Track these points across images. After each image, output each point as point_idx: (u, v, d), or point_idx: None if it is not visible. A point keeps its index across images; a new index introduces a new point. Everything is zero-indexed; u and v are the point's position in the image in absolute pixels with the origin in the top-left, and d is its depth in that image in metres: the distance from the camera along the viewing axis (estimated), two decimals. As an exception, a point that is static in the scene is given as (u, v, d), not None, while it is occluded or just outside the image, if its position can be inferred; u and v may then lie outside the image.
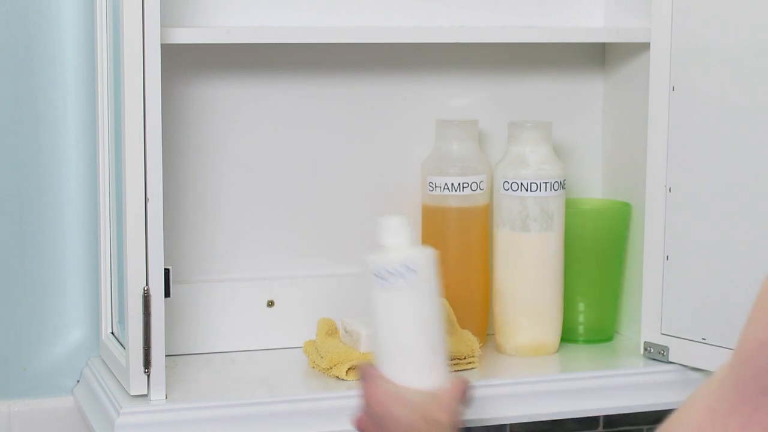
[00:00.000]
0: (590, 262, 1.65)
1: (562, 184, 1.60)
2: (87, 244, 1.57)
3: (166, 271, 1.39)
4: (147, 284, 1.38)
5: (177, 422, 1.38)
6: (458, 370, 1.51)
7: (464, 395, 1.26)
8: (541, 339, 1.60)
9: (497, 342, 1.62)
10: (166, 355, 1.39)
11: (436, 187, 1.60)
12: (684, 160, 1.52)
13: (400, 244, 1.27)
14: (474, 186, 1.60)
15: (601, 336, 1.67)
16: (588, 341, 1.66)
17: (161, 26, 1.36)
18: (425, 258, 1.28)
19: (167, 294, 1.40)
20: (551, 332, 1.61)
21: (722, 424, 0.84)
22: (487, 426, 1.51)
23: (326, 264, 1.65)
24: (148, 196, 1.37)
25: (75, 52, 1.55)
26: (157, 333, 1.38)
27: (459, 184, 1.60)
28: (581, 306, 1.66)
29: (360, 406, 1.27)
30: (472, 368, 1.53)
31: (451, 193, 1.60)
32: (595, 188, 1.75)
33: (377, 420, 1.24)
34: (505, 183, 1.59)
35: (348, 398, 1.41)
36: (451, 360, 1.51)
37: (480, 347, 1.55)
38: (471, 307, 1.62)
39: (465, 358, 1.53)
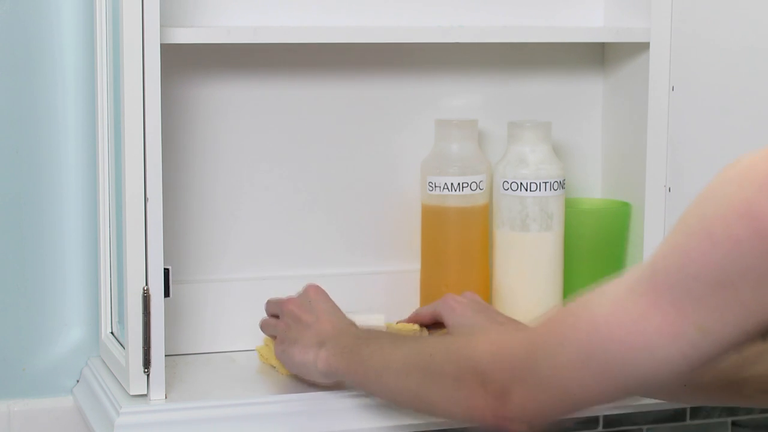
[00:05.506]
0: (590, 262, 1.65)
1: (561, 184, 1.60)
2: (87, 244, 1.57)
3: (166, 271, 1.39)
4: (147, 284, 1.37)
5: (177, 422, 1.38)
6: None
7: None
8: (540, 339, 1.60)
9: (497, 342, 1.62)
10: (165, 355, 1.39)
11: (435, 186, 1.60)
12: (684, 160, 1.52)
13: None
14: (473, 186, 1.60)
15: (601, 336, 1.67)
16: (588, 341, 1.66)
17: (161, 26, 1.36)
18: None
19: (167, 294, 1.40)
20: (551, 332, 1.60)
21: (633, 300, 1.01)
22: (486, 426, 1.51)
23: (326, 264, 1.64)
24: (148, 196, 1.36)
25: (75, 52, 1.55)
26: (157, 333, 1.38)
27: (458, 183, 1.60)
28: (581, 306, 1.66)
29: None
30: (472, 368, 1.53)
31: (450, 192, 1.60)
32: (594, 188, 1.75)
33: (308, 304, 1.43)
34: (505, 183, 1.59)
35: (348, 398, 1.41)
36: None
37: (480, 347, 1.55)
38: (471, 307, 1.62)
39: (465, 357, 1.52)
